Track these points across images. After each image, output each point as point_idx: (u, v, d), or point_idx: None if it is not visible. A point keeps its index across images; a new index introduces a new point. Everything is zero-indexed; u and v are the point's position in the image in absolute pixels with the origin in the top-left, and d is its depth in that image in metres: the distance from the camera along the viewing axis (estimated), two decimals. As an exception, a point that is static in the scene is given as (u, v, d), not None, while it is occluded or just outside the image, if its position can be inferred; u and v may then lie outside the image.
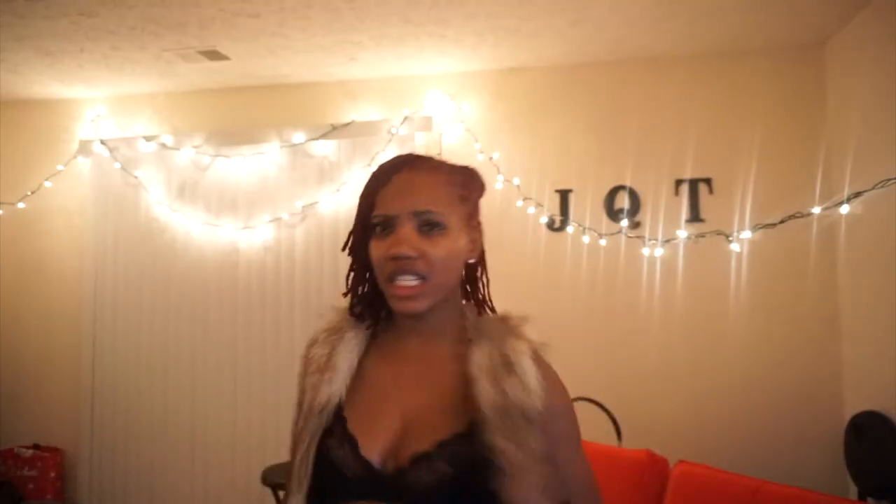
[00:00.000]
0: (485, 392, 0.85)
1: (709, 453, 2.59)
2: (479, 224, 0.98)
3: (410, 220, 0.88)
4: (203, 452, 3.41)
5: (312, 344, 1.00)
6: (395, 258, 0.87)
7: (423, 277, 0.88)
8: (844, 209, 2.71)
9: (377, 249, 0.90)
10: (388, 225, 0.89)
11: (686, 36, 2.97)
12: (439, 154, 3.25)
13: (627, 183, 3.16)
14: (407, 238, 0.87)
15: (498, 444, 0.82)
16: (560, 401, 0.90)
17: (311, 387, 0.96)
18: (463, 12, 2.70)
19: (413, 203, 0.88)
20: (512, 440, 0.82)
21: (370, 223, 0.92)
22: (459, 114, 3.33)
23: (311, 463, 0.90)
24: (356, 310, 0.98)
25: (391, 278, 0.88)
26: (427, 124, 3.31)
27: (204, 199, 3.55)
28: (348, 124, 3.40)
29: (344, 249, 0.99)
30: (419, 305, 0.89)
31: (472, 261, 0.97)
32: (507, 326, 0.93)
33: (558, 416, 0.88)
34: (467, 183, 0.96)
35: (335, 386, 0.93)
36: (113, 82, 3.52)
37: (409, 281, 0.88)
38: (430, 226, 0.89)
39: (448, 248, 0.89)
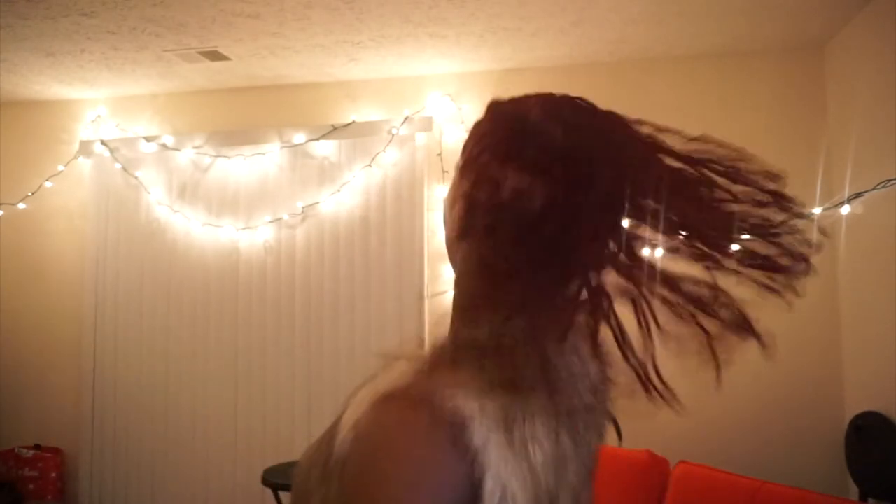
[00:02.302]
0: None
1: (709, 454, 2.59)
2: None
3: None
4: (204, 453, 3.41)
5: None
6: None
7: None
8: (845, 209, 2.71)
9: None
10: None
11: (686, 37, 2.97)
12: (440, 154, 3.26)
13: (628, 183, 3.16)
14: None
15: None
16: (348, 449, 0.59)
17: None
18: (463, 13, 2.70)
19: None
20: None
21: None
22: (460, 114, 3.33)
23: None
24: None
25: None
26: (428, 125, 3.31)
27: (204, 199, 3.55)
28: (349, 125, 3.40)
29: None
30: None
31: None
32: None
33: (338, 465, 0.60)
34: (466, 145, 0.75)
35: None
36: (113, 83, 3.52)
37: None
38: None
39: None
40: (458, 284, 0.72)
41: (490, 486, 0.56)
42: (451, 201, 0.73)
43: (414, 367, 0.63)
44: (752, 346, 0.69)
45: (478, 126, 0.73)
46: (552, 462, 0.61)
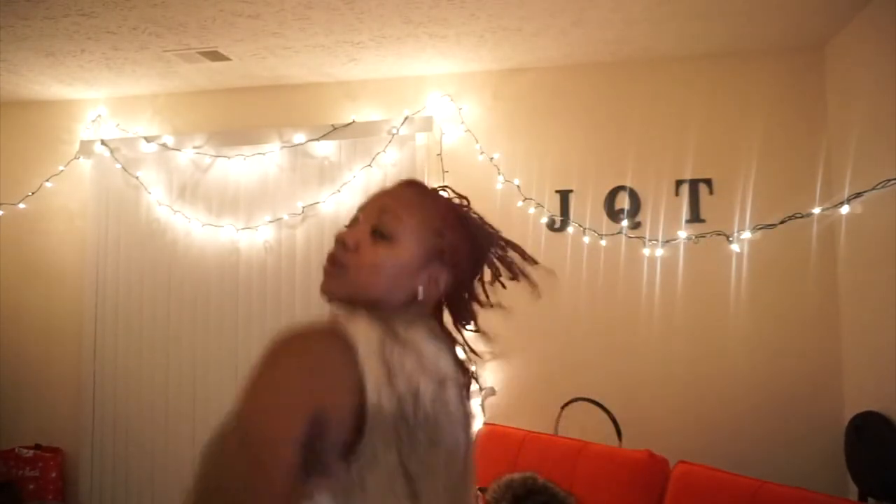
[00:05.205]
0: None
1: (709, 453, 2.59)
2: (440, 270, 0.97)
3: (368, 222, 0.98)
4: (204, 453, 3.40)
5: None
6: (336, 242, 0.97)
7: (343, 267, 0.94)
8: (844, 209, 2.72)
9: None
10: (354, 221, 1.01)
11: (686, 37, 2.97)
12: (440, 154, 3.26)
13: (628, 183, 3.17)
14: (356, 233, 0.97)
15: None
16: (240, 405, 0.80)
17: None
18: (463, 13, 2.70)
19: (376, 216, 0.98)
20: None
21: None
22: (460, 114, 3.33)
23: None
24: None
25: (328, 259, 0.96)
26: (427, 125, 3.31)
27: (205, 199, 3.55)
28: (349, 125, 3.40)
29: None
30: (330, 287, 0.94)
31: (419, 298, 0.95)
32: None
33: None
34: (447, 220, 0.99)
35: None
36: (114, 83, 3.52)
37: (331, 264, 0.95)
38: (380, 234, 0.96)
39: (383, 258, 0.94)
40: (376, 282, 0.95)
41: (370, 390, 0.78)
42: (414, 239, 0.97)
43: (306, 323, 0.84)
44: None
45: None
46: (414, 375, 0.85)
